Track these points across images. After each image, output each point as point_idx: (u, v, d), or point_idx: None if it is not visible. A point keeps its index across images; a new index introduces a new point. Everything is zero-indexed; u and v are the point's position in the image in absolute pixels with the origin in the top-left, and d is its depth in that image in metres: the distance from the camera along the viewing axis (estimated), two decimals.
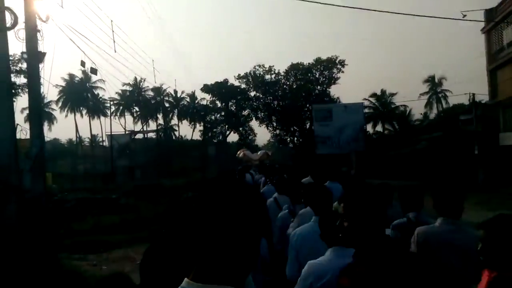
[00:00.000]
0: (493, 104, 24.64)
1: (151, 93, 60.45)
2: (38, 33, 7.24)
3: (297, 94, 42.58)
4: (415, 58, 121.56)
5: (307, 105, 42.09)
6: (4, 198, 6.42)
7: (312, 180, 7.02)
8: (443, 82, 54.90)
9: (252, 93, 45.20)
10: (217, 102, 48.50)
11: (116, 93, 58.21)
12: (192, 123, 61.23)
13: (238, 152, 38.67)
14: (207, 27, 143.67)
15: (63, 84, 57.51)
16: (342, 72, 43.11)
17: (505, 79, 23.40)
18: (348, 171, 23.63)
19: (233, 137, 54.20)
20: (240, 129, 48.54)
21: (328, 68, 42.73)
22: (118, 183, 32.63)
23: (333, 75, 43.08)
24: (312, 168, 7.96)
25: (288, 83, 44.04)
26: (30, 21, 7.15)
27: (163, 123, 61.01)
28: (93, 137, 63.17)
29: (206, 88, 46.60)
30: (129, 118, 62.13)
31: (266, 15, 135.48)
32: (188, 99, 61.99)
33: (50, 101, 58.26)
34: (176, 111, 62.00)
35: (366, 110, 42.46)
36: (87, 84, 57.21)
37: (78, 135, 60.99)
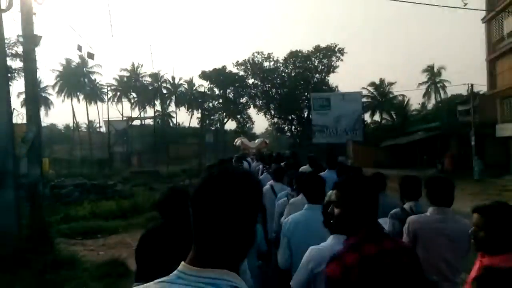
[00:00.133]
0: (491, 94, 24.64)
1: (148, 79, 60.11)
2: (34, 16, 7.13)
3: (296, 82, 42.40)
4: (415, 47, 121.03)
5: (306, 94, 41.98)
6: (0, 183, 6.40)
7: (311, 169, 7.04)
8: (442, 72, 54.87)
9: (251, 81, 45.00)
10: (215, 89, 48.26)
11: (114, 78, 57.90)
12: (190, 110, 61.07)
13: (236, 140, 38.66)
14: (206, 12, 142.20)
15: (60, 68, 57.07)
16: (341, 60, 42.93)
17: (504, 69, 23.36)
18: (344, 161, 23.69)
19: (230, 124, 54.20)
20: (238, 116, 48.39)
21: (327, 56, 42.48)
22: (115, 169, 32.63)
23: (332, 63, 42.88)
24: (310, 156, 7.97)
25: (286, 70, 43.81)
26: (26, 4, 7.03)
27: (160, 110, 60.76)
28: (90, 123, 62.93)
29: (204, 75, 46.28)
30: (126, 104, 61.90)
31: (266, 1, 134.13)
32: (186, 86, 61.71)
33: (47, 86, 57.88)
34: (173, 97, 61.73)
35: (364, 99, 42.43)
36: (84, 69, 56.71)
37: (75, 121, 60.77)
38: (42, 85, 54.72)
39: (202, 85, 52.05)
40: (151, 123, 53.47)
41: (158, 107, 61.40)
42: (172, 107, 63.21)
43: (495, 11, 23.10)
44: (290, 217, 2.98)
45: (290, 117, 44.07)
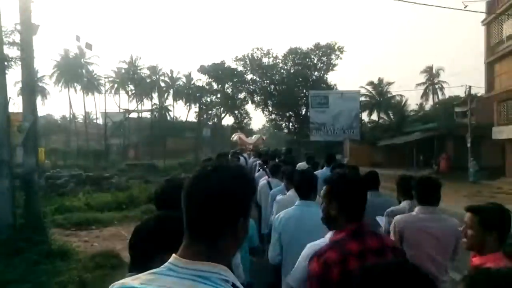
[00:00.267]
0: (488, 97, 24.72)
1: (146, 71, 59.78)
2: (31, 4, 7.07)
3: (294, 79, 42.36)
4: (414, 47, 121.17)
5: (304, 91, 41.96)
6: None
7: (307, 166, 7.07)
8: (440, 73, 54.98)
9: (249, 76, 44.92)
10: (213, 83, 48.11)
11: (111, 70, 57.57)
12: (187, 104, 60.88)
13: (233, 135, 38.63)
14: (207, 6, 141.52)
15: (58, 58, 56.70)
16: (341, 58, 42.92)
17: (502, 72, 23.44)
18: (341, 159, 23.75)
19: (228, 120, 54.11)
20: (236, 112, 48.32)
21: (327, 54, 42.45)
22: (111, 161, 32.55)
23: (331, 61, 42.85)
24: (308, 154, 8.02)
25: (285, 67, 43.74)
26: None
27: (158, 103, 60.53)
28: (87, 114, 62.62)
29: (202, 69, 46.13)
30: (123, 96, 61.61)
31: None
32: (184, 80, 61.47)
33: (44, 76, 57.49)
34: (171, 91, 61.48)
35: (362, 98, 42.49)
36: (82, 59, 56.33)
37: (71, 112, 60.44)
38: (39, 75, 54.42)
39: (201, 79, 51.96)
40: (148, 116, 53.33)
41: (155, 100, 61.18)
42: (169, 101, 63.01)
43: (495, 14, 23.13)
44: (282, 213, 2.99)
45: (287, 114, 44.06)
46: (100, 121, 54.51)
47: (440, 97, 54.00)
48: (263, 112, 45.56)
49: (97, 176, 17.66)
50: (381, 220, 3.24)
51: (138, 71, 59.58)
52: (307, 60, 42.77)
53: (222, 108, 50.44)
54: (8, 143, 6.70)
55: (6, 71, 7.81)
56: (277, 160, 7.37)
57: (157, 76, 59.82)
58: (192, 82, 59.62)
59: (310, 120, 36.98)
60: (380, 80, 46.47)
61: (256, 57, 43.34)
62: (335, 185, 1.89)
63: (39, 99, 55.21)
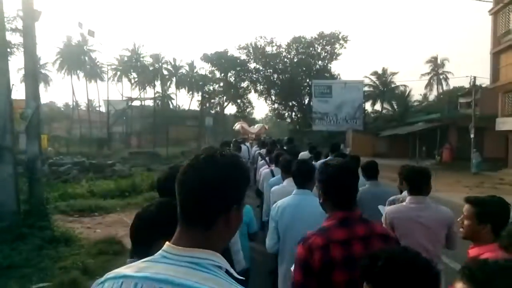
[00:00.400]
0: (493, 88, 24.50)
1: (149, 59, 59.53)
2: None
3: (298, 68, 42.08)
4: (419, 37, 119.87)
5: (307, 80, 41.72)
6: None
7: (310, 155, 7.09)
8: (445, 64, 54.49)
9: (252, 65, 44.63)
10: (216, 72, 47.91)
11: (114, 57, 57.32)
12: (190, 92, 60.74)
13: (235, 124, 38.58)
14: None
15: (61, 46, 56.48)
16: (345, 48, 42.56)
17: (507, 63, 23.17)
18: (343, 149, 23.70)
19: (231, 109, 54.06)
20: (238, 101, 48.19)
21: (331, 43, 42.08)
22: (113, 149, 32.66)
23: (335, 50, 42.51)
24: (310, 143, 8.05)
25: (289, 56, 43.42)
26: None
27: (160, 91, 60.40)
28: (89, 102, 62.60)
29: (205, 58, 45.88)
30: (126, 84, 61.52)
31: None
32: (187, 68, 61.22)
33: (47, 63, 57.38)
34: (174, 79, 61.29)
35: (366, 88, 42.23)
36: (85, 47, 56.10)
37: (74, 99, 60.44)
38: (42, 62, 54.32)
39: (203, 67, 51.72)
40: (151, 104, 53.25)
41: (158, 88, 61.06)
42: (172, 89, 62.88)
43: (503, 3, 22.77)
44: (279, 202, 3.02)
45: (290, 103, 43.90)
46: (103, 108, 54.57)
47: (445, 87, 53.68)
48: (266, 101, 45.50)
49: (100, 163, 17.73)
50: (383, 209, 3.26)
51: (141, 59, 59.33)
52: (311, 49, 42.43)
53: (224, 97, 50.29)
54: (11, 130, 6.71)
55: (9, 58, 7.80)
56: (278, 147, 7.39)
57: (160, 64, 59.58)
58: (195, 71, 59.41)
59: (313, 110, 36.85)
60: (384, 70, 46.21)
61: (259, 46, 43.03)
62: (320, 174, 1.92)
63: (42, 86, 55.25)
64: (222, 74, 47.05)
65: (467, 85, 33.05)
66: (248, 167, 1.08)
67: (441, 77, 54.67)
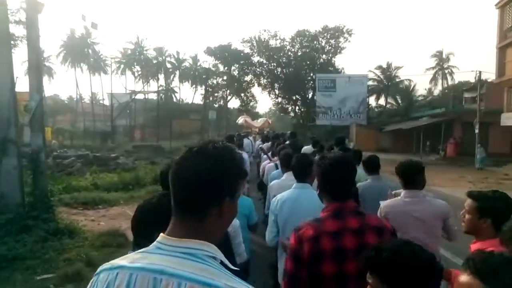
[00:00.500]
0: (498, 83, 24.30)
1: (153, 52, 59.47)
2: None
3: (302, 62, 41.88)
4: (424, 31, 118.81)
5: (311, 74, 41.54)
6: (3, 151, 6.43)
7: (313, 149, 7.08)
8: (450, 58, 54.08)
9: (256, 59, 44.46)
10: (220, 65, 47.79)
11: (118, 50, 57.31)
12: (194, 86, 60.70)
13: (239, 118, 38.58)
14: None
15: (64, 38, 56.53)
16: (349, 41, 42.29)
17: None
18: (347, 143, 23.63)
19: (234, 102, 54.03)
20: (242, 95, 48.11)
21: (335, 36, 41.81)
22: (117, 142, 32.78)
23: (340, 44, 42.25)
24: (313, 138, 8.04)
25: (293, 50, 43.19)
26: None
27: (164, 84, 60.41)
28: (93, 95, 62.76)
29: (209, 51, 45.75)
30: (129, 77, 61.59)
31: None
32: (190, 61, 61.14)
33: (50, 55, 57.46)
34: (177, 72, 61.25)
35: (370, 83, 42.00)
36: (88, 39, 56.10)
37: (78, 92, 60.58)
38: (46, 54, 54.41)
39: (207, 61, 51.63)
40: (154, 97, 53.30)
41: (161, 81, 61.05)
42: (175, 82, 62.87)
43: None
44: (278, 196, 3.04)
45: (294, 97, 43.77)
46: (107, 102, 54.65)
47: (450, 82, 53.33)
48: (269, 95, 45.38)
49: (104, 156, 17.79)
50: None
51: (144, 52, 59.31)
52: (315, 42, 42.19)
53: (228, 91, 50.21)
54: (15, 123, 6.74)
55: (13, 50, 7.80)
56: (281, 140, 7.38)
57: (164, 57, 59.53)
58: (198, 64, 59.32)
59: (316, 104, 36.73)
60: (389, 64, 45.92)
61: (263, 39, 42.83)
62: (316, 166, 1.94)
63: (45, 79, 55.40)
64: (226, 68, 46.93)
65: (472, 80, 32.83)
66: (244, 159, 1.08)
67: (446, 71, 54.30)
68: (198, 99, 60.03)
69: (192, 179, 0.96)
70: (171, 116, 43.91)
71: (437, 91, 53.07)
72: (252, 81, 46.46)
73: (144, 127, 45.67)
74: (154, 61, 59.31)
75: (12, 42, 11.94)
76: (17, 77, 7.74)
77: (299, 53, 42.61)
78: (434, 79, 54.71)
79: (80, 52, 54.98)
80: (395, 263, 1.23)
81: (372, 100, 44.88)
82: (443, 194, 11.22)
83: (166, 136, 37.87)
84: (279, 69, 43.33)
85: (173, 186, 0.99)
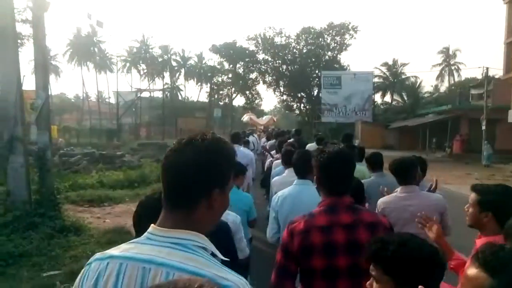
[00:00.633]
0: (506, 79, 24.05)
1: (158, 50, 59.64)
2: None
3: (307, 59, 41.71)
4: (431, 27, 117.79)
5: (316, 71, 41.38)
6: (10, 149, 6.50)
7: (318, 146, 7.08)
8: (457, 54, 53.62)
9: (261, 56, 44.34)
10: (225, 63, 47.77)
11: (123, 49, 57.50)
12: (199, 84, 60.81)
13: (244, 116, 38.58)
14: None
15: (71, 37, 56.89)
16: (354, 38, 42.03)
17: None
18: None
19: (239, 100, 54.03)
20: (247, 92, 48.09)
21: (340, 33, 41.56)
22: (123, 140, 32.89)
23: (345, 41, 41.99)
24: (317, 135, 8.05)
25: (298, 47, 43.00)
26: None
27: (169, 82, 60.57)
28: (99, 93, 63.13)
29: (214, 49, 45.75)
30: (135, 76, 61.88)
31: None
32: (195, 59, 61.22)
33: (57, 54, 57.86)
34: (183, 70, 61.38)
35: (376, 79, 41.77)
36: (94, 38, 56.39)
37: (84, 90, 60.96)
38: (52, 53, 54.78)
39: (212, 59, 51.65)
40: (160, 95, 53.45)
41: (167, 79, 61.24)
42: (181, 80, 63.01)
43: None
44: (279, 192, 3.05)
45: (299, 95, 43.63)
46: (113, 100, 54.88)
47: (456, 78, 52.87)
48: (274, 93, 45.26)
49: (110, 154, 17.87)
50: None
51: (150, 50, 59.51)
52: (320, 39, 41.96)
53: (233, 88, 50.22)
54: (22, 121, 6.80)
55: (20, 49, 7.86)
56: (286, 137, 7.37)
57: (169, 55, 59.69)
58: (203, 62, 59.44)
59: (321, 101, 36.59)
60: (395, 61, 45.62)
61: (268, 37, 42.66)
62: (314, 160, 1.93)
63: (52, 77, 55.82)
64: (231, 65, 46.90)
65: (479, 76, 32.55)
66: (235, 151, 1.08)
67: (452, 68, 53.84)
68: (204, 97, 60.18)
69: (180, 171, 0.97)
70: (176, 114, 44.01)
71: (443, 87, 52.71)
72: (257, 79, 46.41)
73: (150, 125, 45.80)
74: (160, 59, 59.51)
75: (19, 41, 12.03)
76: (24, 76, 7.80)
77: (304, 50, 42.42)
78: (440, 76, 54.31)
79: (86, 50, 55.32)
80: (400, 255, 1.25)
81: (377, 97, 44.69)
82: (449, 191, 11.17)
83: (171, 134, 37.98)
84: (284, 67, 43.19)
85: (162, 177, 1.01)
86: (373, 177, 3.94)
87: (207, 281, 0.67)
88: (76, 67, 57.84)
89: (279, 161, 5.85)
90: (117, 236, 6.33)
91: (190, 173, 0.96)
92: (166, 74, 60.96)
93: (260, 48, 43.52)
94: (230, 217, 2.58)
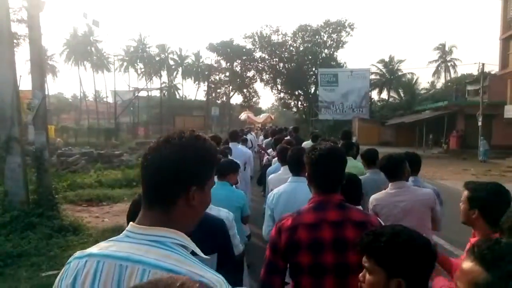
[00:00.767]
0: (502, 75, 24.13)
1: (155, 49, 59.49)
2: None
3: (304, 57, 41.72)
4: (427, 24, 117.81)
5: (313, 69, 41.40)
6: (7, 149, 6.50)
7: (313, 143, 7.11)
8: (453, 51, 53.73)
9: (258, 54, 44.35)
10: (222, 61, 47.71)
11: (121, 48, 57.32)
12: (196, 82, 60.73)
13: (242, 114, 38.59)
14: None
15: (67, 37, 56.69)
16: (351, 36, 42.06)
17: None
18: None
19: (237, 98, 53.99)
20: (244, 90, 48.05)
21: (337, 31, 41.58)
22: (121, 139, 32.83)
23: (342, 38, 42.02)
24: (313, 132, 8.08)
25: (295, 45, 43.03)
26: None
27: (167, 81, 60.45)
28: (97, 93, 62.95)
29: (211, 47, 45.67)
30: (133, 75, 61.75)
31: None
32: (193, 58, 61.11)
33: (54, 54, 57.63)
34: (180, 69, 61.27)
35: (373, 76, 41.80)
36: (91, 37, 56.19)
37: (82, 90, 60.81)
38: (49, 53, 54.57)
39: (209, 57, 51.58)
40: (158, 94, 53.33)
41: (164, 78, 61.11)
42: (178, 79, 62.91)
43: None
44: (274, 190, 3.06)
45: (296, 93, 43.66)
46: (110, 99, 54.80)
47: (453, 75, 53.02)
48: (271, 91, 45.30)
49: (108, 153, 17.85)
50: None
51: (147, 49, 59.35)
52: (317, 37, 41.97)
53: (230, 87, 50.16)
54: (19, 121, 6.79)
55: (16, 49, 7.85)
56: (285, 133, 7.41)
57: (166, 54, 59.55)
58: (201, 60, 59.32)
59: (319, 99, 36.64)
60: (391, 58, 45.69)
61: (265, 35, 42.66)
62: (305, 157, 1.93)
63: (49, 77, 55.66)
64: (228, 64, 46.85)
65: (475, 72, 32.63)
66: (215, 148, 1.08)
67: (449, 64, 53.98)
68: (201, 96, 60.26)
69: (156, 169, 0.98)
70: (174, 113, 43.90)
71: (440, 84, 52.80)
72: (255, 77, 46.40)
73: (148, 124, 45.70)
74: (157, 58, 59.36)
75: (15, 41, 11.99)
76: (20, 76, 7.79)
77: (301, 48, 42.42)
78: (437, 72, 54.42)
79: (83, 50, 55.13)
80: (393, 246, 1.27)
81: (374, 94, 44.76)
82: (445, 186, 11.22)
83: (169, 132, 37.84)
84: (281, 64, 43.19)
85: (141, 175, 1.01)
86: (368, 173, 3.95)
87: (188, 279, 0.67)
88: (73, 67, 57.68)
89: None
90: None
91: (166, 171, 0.96)
92: (164, 73, 60.85)
93: (257, 46, 43.52)
94: (223, 213, 2.59)
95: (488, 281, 0.91)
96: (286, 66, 42.70)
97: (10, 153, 6.56)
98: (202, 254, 0.99)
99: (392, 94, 45.04)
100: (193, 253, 0.98)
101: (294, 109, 46.59)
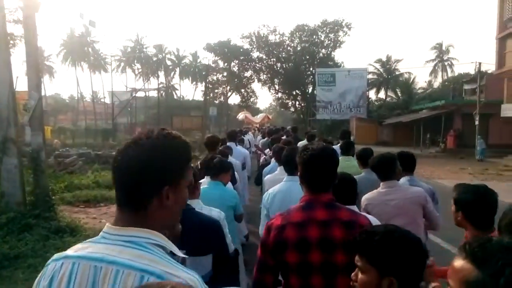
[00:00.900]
0: (498, 74, 24.21)
1: (152, 50, 59.43)
2: None
3: (301, 57, 41.77)
4: (424, 23, 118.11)
5: (311, 69, 41.44)
6: (4, 150, 6.47)
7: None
8: (450, 50, 53.91)
9: (255, 54, 44.35)
10: (220, 62, 47.71)
11: (118, 48, 57.25)
12: (194, 82, 60.71)
13: (239, 114, 38.62)
14: None
15: (64, 37, 56.56)
16: (348, 35, 42.13)
17: None
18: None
19: (234, 98, 53.94)
20: (242, 90, 48.04)
21: (334, 31, 41.64)
22: (119, 140, 32.76)
23: (339, 38, 42.08)
24: (308, 132, 8.10)
25: (292, 44, 43.06)
26: None
27: (164, 82, 60.40)
28: (94, 93, 62.82)
29: (208, 47, 45.64)
30: (130, 75, 61.67)
31: None
32: (190, 58, 61.07)
33: (51, 55, 57.49)
34: (177, 69, 61.23)
35: (370, 76, 41.89)
36: (88, 38, 56.07)
37: (79, 91, 60.65)
38: (46, 54, 54.43)
39: (207, 57, 51.54)
40: (155, 95, 53.29)
41: (162, 78, 61.05)
42: (176, 79, 62.88)
43: None
44: (270, 189, 3.09)
45: (294, 92, 43.69)
46: (107, 100, 54.68)
47: (450, 74, 53.19)
48: (269, 91, 45.32)
49: (105, 154, 17.82)
50: None
51: (144, 50, 59.29)
52: (314, 37, 42.02)
53: (228, 87, 50.15)
54: (15, 122, 6.77)
55: (12, 50, 7.82)
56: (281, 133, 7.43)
57: (163, 54, 59.51)
58: (198, 61, 59.31)
59: (316, 98, 36.68)
60: (388, 58, 45.81)
61: (262, 35, 42.65)
62: (297, 157, 1.94)
63: (46, 78, 55.53)
64: (226, 64, 46.82)
65: (472, 72, 32.72)
66: (188, 146, 1.06)
67: (446, 63, 54.15)
68: (199, 96, 60.23)
69: (125, 171, 0.97)
70: (172, 113, 43.78)
71: (437, 83, 52.97)
72: (252, 77, 46.38)
73: (145, 125, 45.63)
74: (154, 59, 59.32)
75: (11, 41, 11.95)
76: (17, 77, 7.77)
77: (299, 48, 42.46)
78: (434, 72, 54.60)
79: (80, 50, 55.00)
80: (385, 246, 1.28)
81: (372, 94, 44.82)
82: (443, 186, 11.25)
83: None
84: (278, 64, 43.21)
85: (113, 177, 1.01)
86: (364, 173, 3.95)
87: (178, 284, 0.67)
88: (70, 68, 57.60)
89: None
90: None
91: (135, 173, 0.95)
92: (161, 74, 60.83)
93: (255, 46, 43.51)
94: (215, 213, 2.59)
95: (479, 278, 0.91)
96: (284, 66, 42.73)
97: (7, 154, 6.54)
98: (180, 253, 0.99)
99: (390, 93, 45.15)
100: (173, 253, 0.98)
101: (292, 109, 46.63)
